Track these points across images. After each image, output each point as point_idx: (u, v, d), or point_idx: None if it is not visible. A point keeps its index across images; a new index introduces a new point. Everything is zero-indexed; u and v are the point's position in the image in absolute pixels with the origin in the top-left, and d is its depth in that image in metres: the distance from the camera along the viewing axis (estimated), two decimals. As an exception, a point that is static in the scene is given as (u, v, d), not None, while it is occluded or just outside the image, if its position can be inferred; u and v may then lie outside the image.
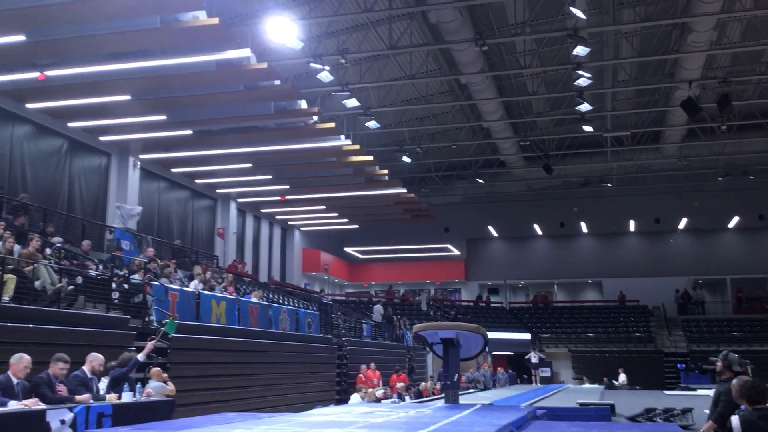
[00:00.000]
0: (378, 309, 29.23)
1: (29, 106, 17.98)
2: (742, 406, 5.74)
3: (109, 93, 17.05)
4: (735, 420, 5.50)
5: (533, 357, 28.10)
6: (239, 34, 16.69)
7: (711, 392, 7.85)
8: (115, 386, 8.46)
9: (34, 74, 15.66)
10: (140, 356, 8.91)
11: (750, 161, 32.06)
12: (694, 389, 22.84)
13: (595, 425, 7.26)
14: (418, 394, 18.68)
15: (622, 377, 28.20)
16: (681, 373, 28.80)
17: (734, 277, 36.41)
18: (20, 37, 14.02)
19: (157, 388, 9.53)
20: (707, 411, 7.78)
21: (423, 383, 20.35)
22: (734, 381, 6.04)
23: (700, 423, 10.65)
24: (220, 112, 19.14)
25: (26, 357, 7.38)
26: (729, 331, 32.48)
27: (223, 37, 14.76)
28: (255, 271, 30.32)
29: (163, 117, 18.85)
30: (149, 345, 9.17)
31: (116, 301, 12.45)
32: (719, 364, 7.53)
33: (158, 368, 10.28)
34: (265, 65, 16.30)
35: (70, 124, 19.52)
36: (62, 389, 7.66)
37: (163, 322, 10.56)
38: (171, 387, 9.77)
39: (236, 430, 5.50)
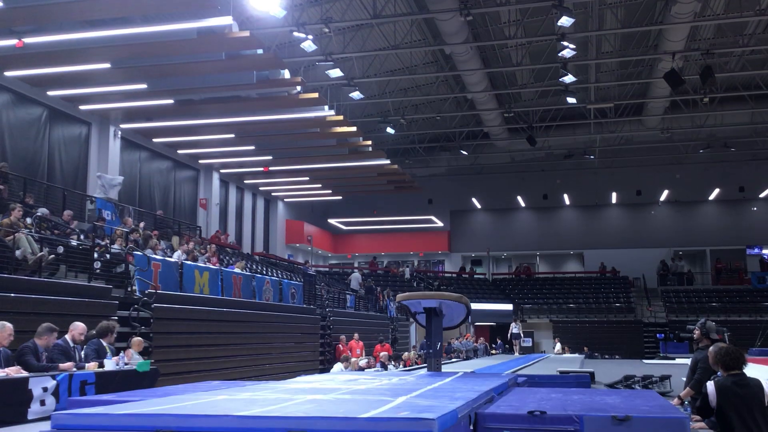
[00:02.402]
0: (355, 277, 29.22)
1: (7, 74, 17.68)
2: (719, 372, 5.83)
3: (89, 61, 16.80)
4: (710, 386, 5.59)
5: (514, 327, 28.41)
6: (221, 1, 16.43)
7: (689, 360, 7.96)
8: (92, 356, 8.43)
9: (12, 41, 15.39)
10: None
11: (731, 134, 32.30)
12: (673, 358, 23.22)
13: (575, 391, 7.36)
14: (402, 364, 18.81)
15: (558, 347, 28.71)
16: (660, 343, 29.24)
17: (714, 249, 36.91)
18: (-3, 3, 13.76)
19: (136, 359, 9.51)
20: (684, 379, 7.91)
21: (406, 353, 20.51)
22: (711, 348, 6.14)
23: (677, 390, 10.83)
24: (201, 82, 18.95)
25: (8, 325, 7.36)
26: (708, 302, 32.96)
27: (204, 5, 14.57)
28: (238, 242, 30.26)
29: (143, 86, 18.63)
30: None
31: (98, 271, 12.39)
32: (697, 332, 7.62)
33: (140, 338, 10.24)
34: (247, 34, 16.11)
35: (50, 93, 19.24)
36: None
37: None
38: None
39: (220, 396, 5.52)
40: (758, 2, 20.58)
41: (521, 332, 28.43)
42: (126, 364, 8.56)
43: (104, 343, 8.72)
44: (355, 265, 40.89)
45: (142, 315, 11.91)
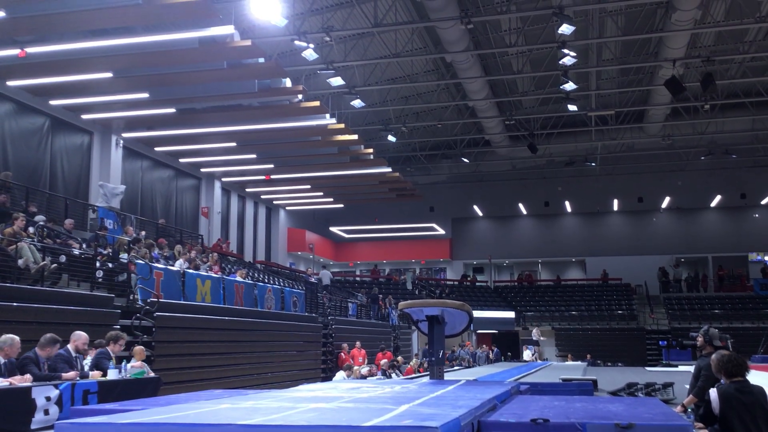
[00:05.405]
0: (325, 273, 28.88)
1: (10, 83, 17.74)
2: (722, 380, 5.82)
3: (91, 70, 16.86)
4: (713, 393, 5.57)
5: (534, 335, 28.75)
6: (222, 10, 16.50)
7: (692, 368, 7.94)
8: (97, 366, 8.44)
9: (15, 51, 15.45)
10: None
11: (732, 140, 32.30)
12: (676, 365, 23.15)
13: (578, 399, 7.35)
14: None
15: (527, 354, 28.91)
16: (663, 350, 29.16)
17: (716, 256, 36.85)
18: (0, 14, 13.80)
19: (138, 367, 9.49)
20: (687, 386, 7.89)
21: (400, 357, 20.48)
22: (713, 355, 6.12)
23: (680, 397, 10.81)
24: (203, 90, 18.99)
25: (17, 339, 7.37)
26: (710, 309, 32.91)
27: (205, 14, 14.59)
28: (240, 250, 30.26)
29: (145, 95, 18.68)
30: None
31: (100, 280, 12.39)
32: (700, 339, 7.60)
33: (141, 347, 10.22)
34: (248, 42, 16.15)
35: (52, 102, 19.29)
36: None
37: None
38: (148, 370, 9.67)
39: (223, 405, 5.52)
40: (758, 9, 20.62)
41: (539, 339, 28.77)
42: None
43: (110, 352, 8.75)
44: (357, 273, 40.89)
45: (144, 324, 11.92)
